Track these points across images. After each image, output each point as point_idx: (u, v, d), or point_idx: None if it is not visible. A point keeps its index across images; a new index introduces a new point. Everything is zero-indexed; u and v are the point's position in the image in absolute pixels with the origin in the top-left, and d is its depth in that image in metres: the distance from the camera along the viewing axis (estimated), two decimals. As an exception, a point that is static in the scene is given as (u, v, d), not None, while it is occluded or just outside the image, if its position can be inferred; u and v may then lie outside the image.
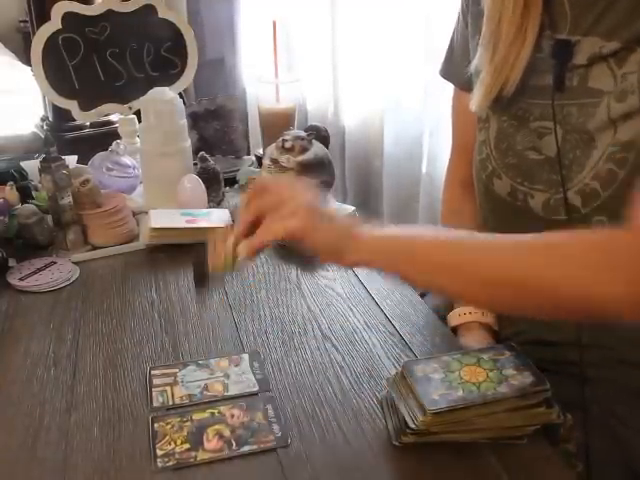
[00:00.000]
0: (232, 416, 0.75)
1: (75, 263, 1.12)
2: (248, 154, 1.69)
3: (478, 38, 0.88)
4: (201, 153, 1.37)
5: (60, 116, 2.03)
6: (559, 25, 0.81)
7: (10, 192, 1.18)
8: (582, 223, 0.81)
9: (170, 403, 0.78)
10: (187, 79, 1.51)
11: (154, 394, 0.80)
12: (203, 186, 1.28)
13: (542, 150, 0.84)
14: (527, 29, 0.82)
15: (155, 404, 0.78)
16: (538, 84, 0.83)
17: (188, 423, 0.74)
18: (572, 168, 0.81)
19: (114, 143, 1.40)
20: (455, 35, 1.00)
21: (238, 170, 1.47)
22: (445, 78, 1.04)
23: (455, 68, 1.00)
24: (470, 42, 0.94)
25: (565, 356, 0.84)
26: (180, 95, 1.35)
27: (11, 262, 1.11)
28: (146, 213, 1.22)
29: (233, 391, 0.80)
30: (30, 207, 1.19)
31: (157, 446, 0.71)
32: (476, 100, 0.89)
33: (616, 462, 0.79)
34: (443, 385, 0.70)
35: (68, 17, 1.36)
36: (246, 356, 0.87)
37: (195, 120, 1.52)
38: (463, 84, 0.97)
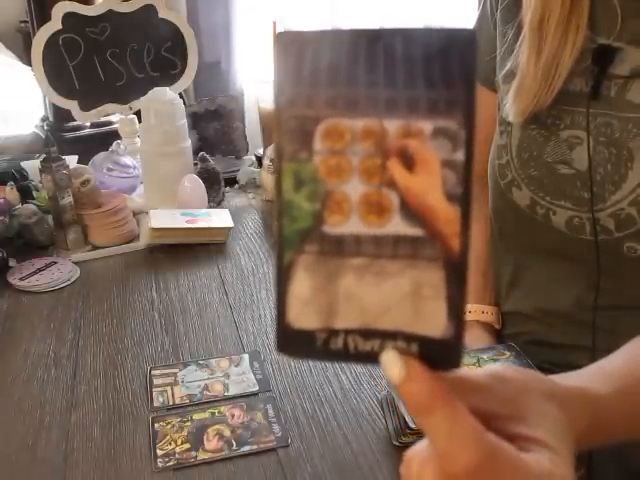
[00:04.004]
0: (232, 416, 0.75)
1: (75, 263, 1.12)
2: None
3: (510, 39, 0.80)
4: (201, 153, 1.37)
5: (60, 116, 2.04)
6: (602, 27, 0.74)
7: (10, 192, 1.18)
8: (612, 247, 0.74)
9: (170, 403, 0.78)
10: (187, 79, 1.51)
11: (154, 394, 0.80)
12: (203, 186, 1.28)
13: (573, 163, 0.77)
14: (571, 29, 0.73)
15: (155, 404, 0.78)
16: (570, 89, 0.76)
17: (188, 423, 0.74)
18: (605, 186, 0.74)
19: (114, 143, 1.40)
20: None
21: (238, 170, 1.47)
22: None
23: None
24: (499, 41, 0.86)
25: (576, 361, 0.82)
26: (180, 95, 1.35)
27: (11, 262, 1.11)
28: (146, 213, 1.22)
29: (233, 391, 0.80)
30: (30, 207, 1.19)
31: (157, 446, 0.71)
32: (517, 108, 0.78)
33: (618, 466, 0.79)
34: (443, 385, 0.69)
35: (68, 17, 1.37)
36: (246, 356, 0.87)
37: (195, 120, 1.52)
38: (484, 80, 0.90)
